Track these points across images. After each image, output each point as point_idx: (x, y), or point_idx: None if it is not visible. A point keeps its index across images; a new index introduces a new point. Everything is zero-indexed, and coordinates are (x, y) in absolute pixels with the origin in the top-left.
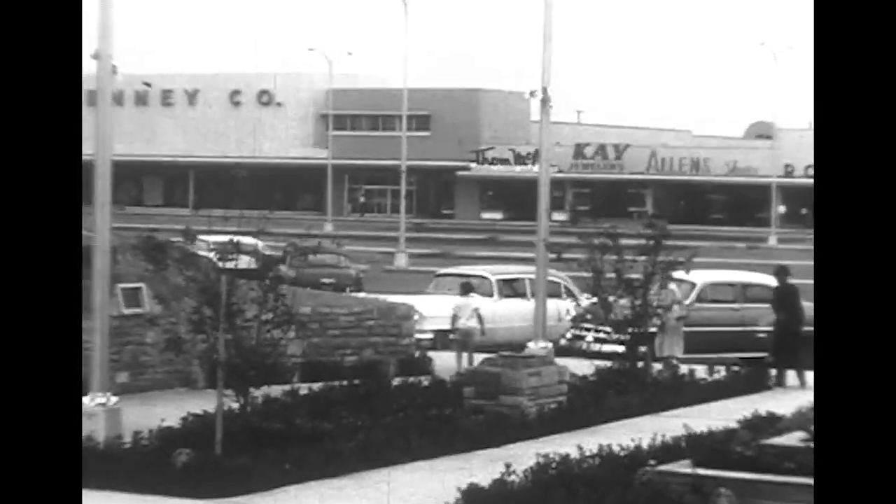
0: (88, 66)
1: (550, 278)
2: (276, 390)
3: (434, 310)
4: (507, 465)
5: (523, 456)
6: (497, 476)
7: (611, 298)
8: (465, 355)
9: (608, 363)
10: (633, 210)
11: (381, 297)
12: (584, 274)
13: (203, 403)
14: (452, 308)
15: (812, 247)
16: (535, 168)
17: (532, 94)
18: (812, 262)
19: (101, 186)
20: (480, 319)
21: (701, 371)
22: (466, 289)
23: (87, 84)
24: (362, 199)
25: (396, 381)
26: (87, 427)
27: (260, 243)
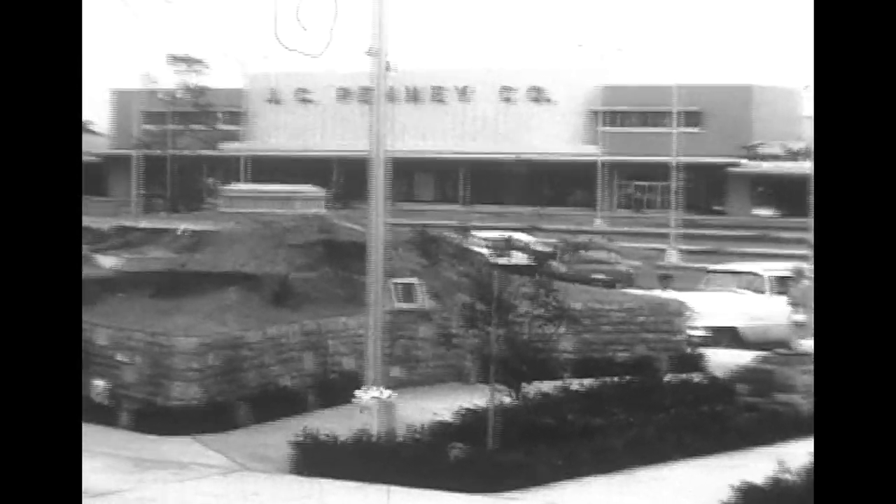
0: (363, 64)
1: None
2: (547, 386)
3: (706, 306)
4: (781, 463)
5: (797, 454)
6: (771, 474)
7: None
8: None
9: None
10: None
11: (653, 293)
12: None
13: (475, 398)
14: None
15: None
16: (807, 164)
17: (806, 88)
18: None
19: (377, 182)
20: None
21: None
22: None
23: (362, 81)
24: (638, 195)
25: (668, 378)
26: (362, 420)
27: (532, 239)
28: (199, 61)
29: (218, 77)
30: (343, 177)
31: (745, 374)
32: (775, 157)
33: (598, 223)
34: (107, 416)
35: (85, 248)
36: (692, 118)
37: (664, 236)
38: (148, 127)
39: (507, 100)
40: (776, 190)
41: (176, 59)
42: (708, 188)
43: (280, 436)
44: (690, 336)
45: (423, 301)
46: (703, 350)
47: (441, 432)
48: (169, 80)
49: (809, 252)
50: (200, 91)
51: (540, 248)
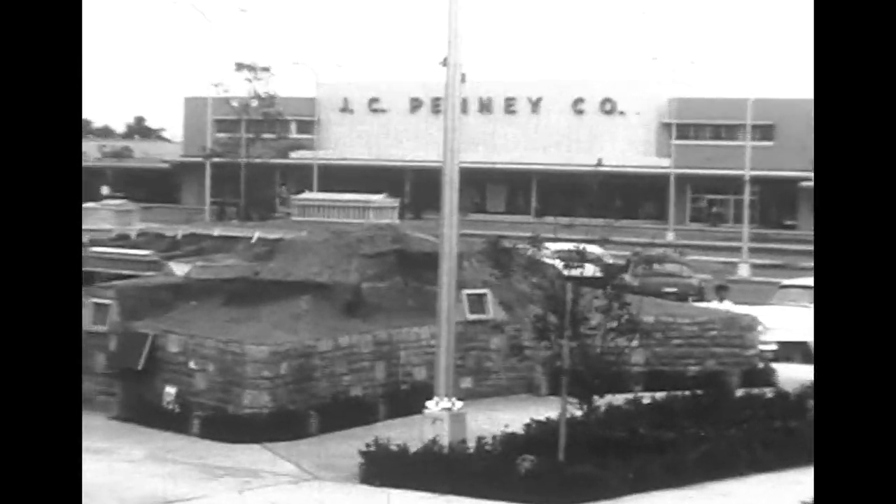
0: (435, 74)
1: None
2: (618, 399)
3: (778, 321)
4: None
5: None
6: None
7: None
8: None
9: None
10: None
11: (723, 306)
12: None
13: (546, 410)
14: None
15: None
16: None
17: None
18: None
19: (449, 193)
20: None
21: None
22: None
23: (434, 91)
24: (714, 209)
25: (739, 392)
26: (433, 431)
27: (603, 251)
28: (265, 69)
29: (290, 86)
30: (414, 187)
31: None
32: None
33: (670, 236)
34: (177, 423)
35: (158, 255)
36: (765, 132)
37: (736, 250)
38: (220, 135)
39: (579, 111)
40: None
41: (243, 67)
42: (780, 202)
43: (350, 445)
44: (762, 350)
45: (494, 312)
46: (774, 364)
47: (511, 444)
48: (242, 88)
49: None
50: (271, 99)
51: (611, 260)
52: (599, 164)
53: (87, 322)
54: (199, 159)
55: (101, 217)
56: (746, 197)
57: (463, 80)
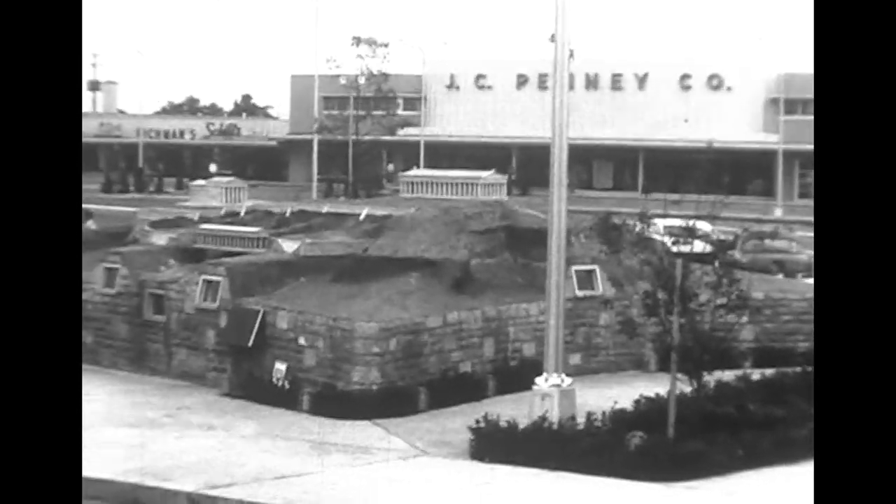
0: (544, 51)
1: None
2: (728, 375)
3: None
4: None
5: None
6: None
7: None
8: None
9: None
10: None
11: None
12: None
13: (655, 386)
14: None
15: None
16: None
17: None
18: None
19: (558, 169)
20: None
21: None
22: None
23: (540, 68)
24: None
25: None
26: (542, 407)
27: (711, 228)
28: (384, 45)
29: (397, 63)
30: (520, 163)
31: None
32: None
33: (778, 212)
34: (287, 400)
35: (267, 232)
36: None
37: None
38: (328, 112)
39: (686, 87)
40: None
41: (361, 42)
42: None
43: (460, 421)
44: None
45: (603, 288)
46: None
47: (620, 420)
48: (352, 65)
49: None
50: (383, 76)
51: (720, 236)
52: (710, 144)
53: (198, 299)
54: (307, 136)
55: (209, 194)
56: None
57: (571, 56)
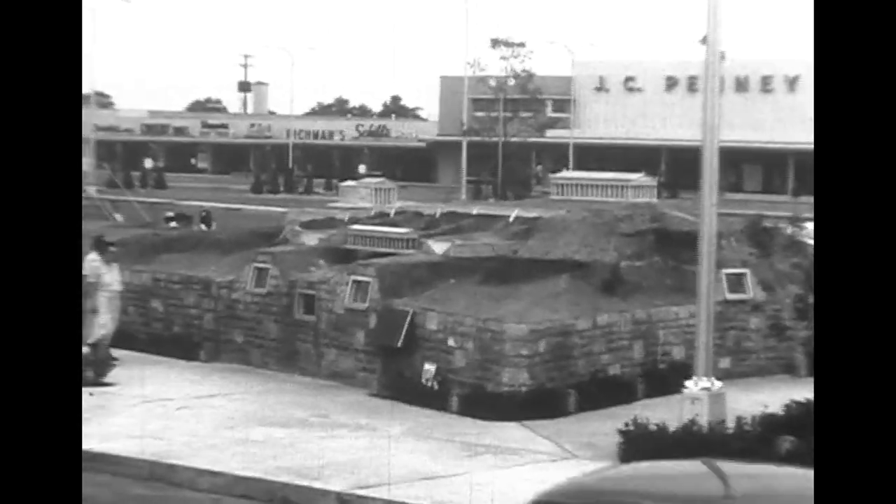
0: (693, 52)
1: None
2: None
3: None
4: None
5: None
6: None
7: None
8: None
9: None
10: None
11: None
12: None
13: (805, 391)
14: None
15: None
16: None
17: None
18: None
19: (709, 172)
20: None
21: None
22: None
23: (691, 70)
24: None
25: None
26: (692, 411)
27: None
28: (521, 45)
29: (546, 65)
30: (669, 166)
31: None
32: None
33: None
34: (436, 400)
35: (416, 233)
36: None
37: None
38: (477, 113)
39: None
40: None
41: (498, 43)
42: None
43: (609, 424)
44: None
45: (754, 292)
46: None
47: (770, 425)
48: (497, 67)
49: None
50: (529, 77)
51: None
52: None
53: (348, 299)
54: (455, 138)
55: (359, 195)
56: None
57: (723, 58)
